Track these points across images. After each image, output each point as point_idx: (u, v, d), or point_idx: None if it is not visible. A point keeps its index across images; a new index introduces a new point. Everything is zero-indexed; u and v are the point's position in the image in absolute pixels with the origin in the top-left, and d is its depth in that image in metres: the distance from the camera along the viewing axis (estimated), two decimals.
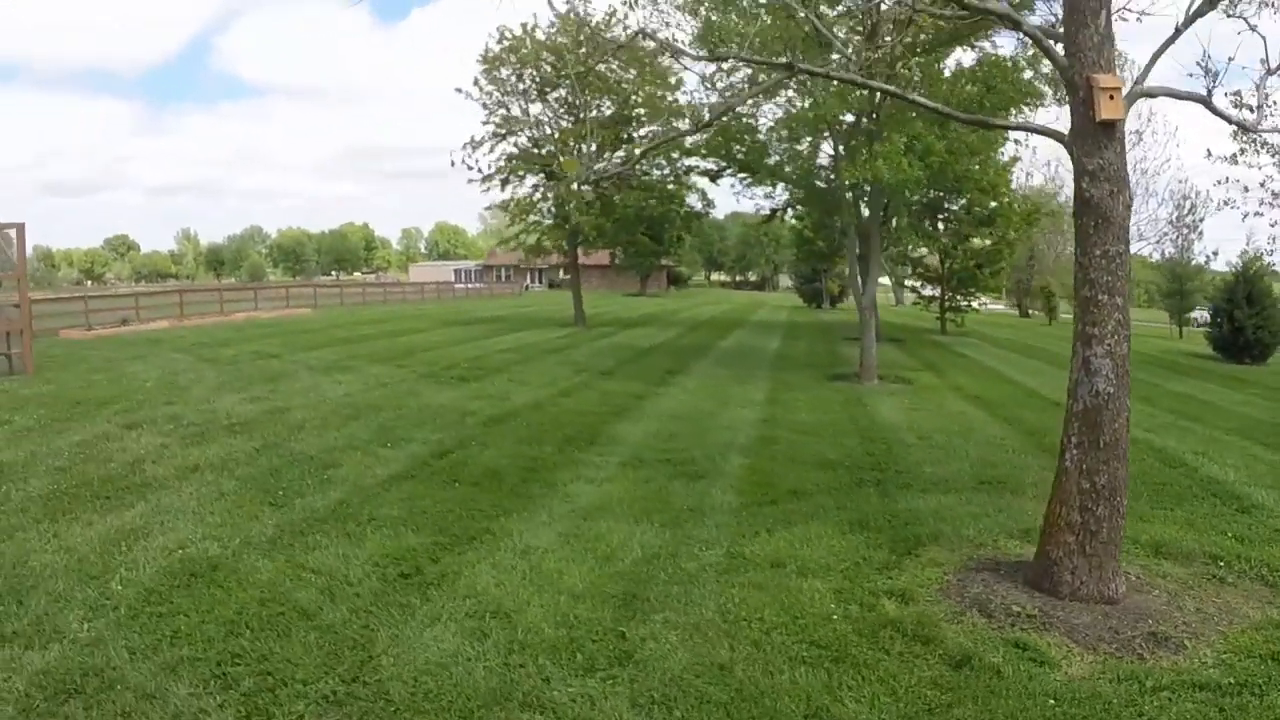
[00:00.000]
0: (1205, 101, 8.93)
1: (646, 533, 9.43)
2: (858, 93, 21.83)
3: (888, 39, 17.50)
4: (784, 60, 9.18)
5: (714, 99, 27.22)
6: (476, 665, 6.35)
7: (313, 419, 15.94)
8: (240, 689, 6.03)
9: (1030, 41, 19.40)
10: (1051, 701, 6.05)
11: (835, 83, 18.79)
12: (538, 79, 43.42)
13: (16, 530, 9.63)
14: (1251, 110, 9.57)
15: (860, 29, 20.48)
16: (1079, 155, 7.90)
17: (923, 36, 19.21)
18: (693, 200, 49.98)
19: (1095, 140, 7.82)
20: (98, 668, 6.36)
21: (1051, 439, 14.76)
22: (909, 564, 8.63)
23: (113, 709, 5.82)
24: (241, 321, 46.80)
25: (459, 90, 44.49)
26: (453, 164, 45.83)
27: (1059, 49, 8.25)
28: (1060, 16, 8.90)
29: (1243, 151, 12.53)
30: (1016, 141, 27.35)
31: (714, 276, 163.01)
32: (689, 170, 42.17)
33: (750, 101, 23.83)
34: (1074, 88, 7.96)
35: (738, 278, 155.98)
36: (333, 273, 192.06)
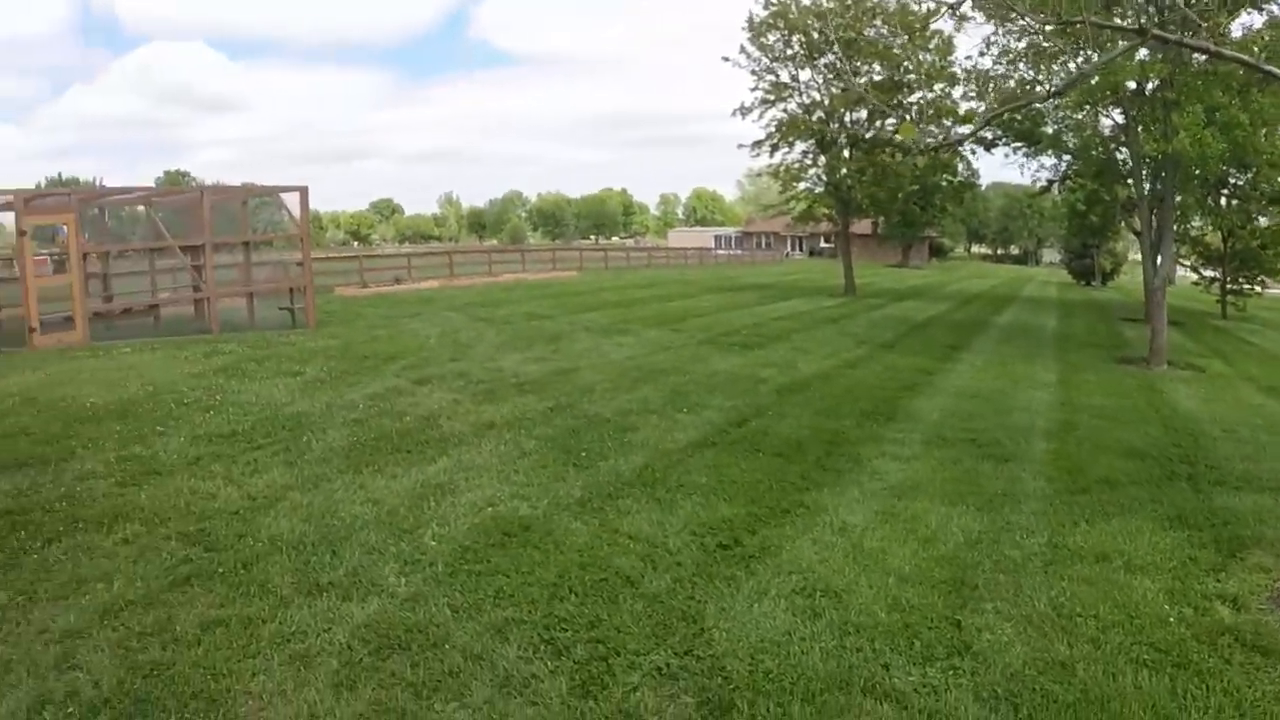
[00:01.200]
0: None
1: (963, 516, 9.13)
2: (1150, 59, 20.93)
3: None
4: (1134, 25, 8.75)
5: (988, 64, 26.46)
6: (813, 646, 6.18)
7: (601, 381, 16.09)
8: (572, 657, 6.00)
9: None
10: None
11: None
12: (805, 44, 42.91)
13: (322, 480, 9.97)
14: None
15: None
16: None
17: None
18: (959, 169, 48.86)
19: None
20: (421, 624, 6.44)
21: None
22: (1235, 567, 8.12)
23: (440, 668, 5.86)
24: (510, 283, 47.70)
25: (726, 59, 44.37)
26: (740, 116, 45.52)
27: None
28: None
29: None
30: None
31: (974, 249, 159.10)
32: (963, 138, 40.97)
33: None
34: None
35: (999, 251, 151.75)
36: (592, 237, 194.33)
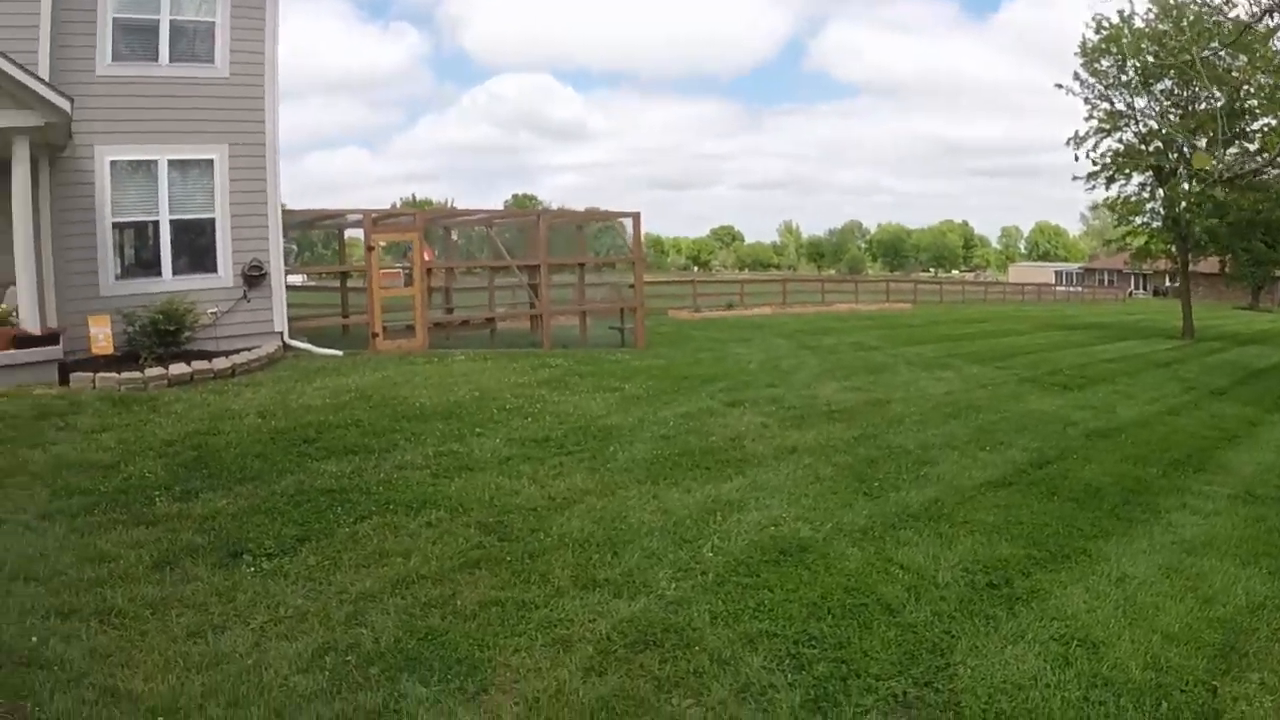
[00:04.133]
0: None
1: (1253, 578, 8.55)
2: None
3: None
4: None
5: None
6: (1055, 695, 6.03)
7: (911, 414, 16.00)
8: (813, 672, 6.13)
9: None
10: None
11: None
12: (1140, 70, 40.67)
13: (618, 488, 10.49)
14: None
15: None
16: None
17: None
18: None
19: None
20: (679, 626, 6.74)
21: None
22: None
23: (686, 667, 6.14)
24: (843, 313, 47.91)
25: (1059, 86, 42.63)
26: (1074, 155, 43.66)
27: None
28: None
29: None
30: None
31: None
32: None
33: None
34: None
35: None
36: (931, 269, 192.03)
